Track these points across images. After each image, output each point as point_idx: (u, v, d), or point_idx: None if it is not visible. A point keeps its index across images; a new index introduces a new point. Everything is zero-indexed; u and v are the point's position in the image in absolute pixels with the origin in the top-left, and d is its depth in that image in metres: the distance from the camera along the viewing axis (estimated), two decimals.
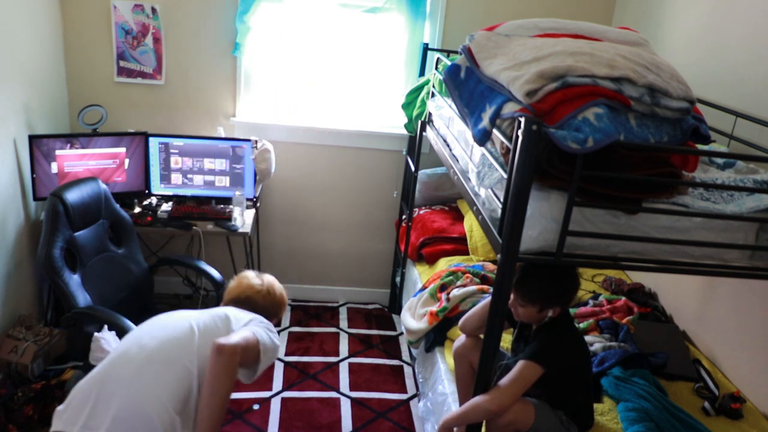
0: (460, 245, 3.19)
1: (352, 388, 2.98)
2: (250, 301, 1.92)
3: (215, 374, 1.56)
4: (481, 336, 1.77)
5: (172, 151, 3.11)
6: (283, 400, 2.84)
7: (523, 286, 1.79)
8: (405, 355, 3.30)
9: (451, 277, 2.75)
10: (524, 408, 1.77)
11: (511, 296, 1.84)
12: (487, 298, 2.10)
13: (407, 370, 3.17)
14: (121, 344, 1.72)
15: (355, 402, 2.87)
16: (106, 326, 2.39)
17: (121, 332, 2.28)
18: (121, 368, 1.59)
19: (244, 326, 1.74)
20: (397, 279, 3.61)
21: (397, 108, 3.32)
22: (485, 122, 1.69)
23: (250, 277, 1.99)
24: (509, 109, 1.60)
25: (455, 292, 2.56)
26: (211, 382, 1.56)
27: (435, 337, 2.59)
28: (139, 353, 1.61)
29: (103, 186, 2.66)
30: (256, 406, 2.77)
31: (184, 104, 3.35)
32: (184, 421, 1.57)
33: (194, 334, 1.66)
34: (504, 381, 1.74)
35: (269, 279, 2.02)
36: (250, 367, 1.74)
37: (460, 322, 2.13)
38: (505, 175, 1.57)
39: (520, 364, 1.75)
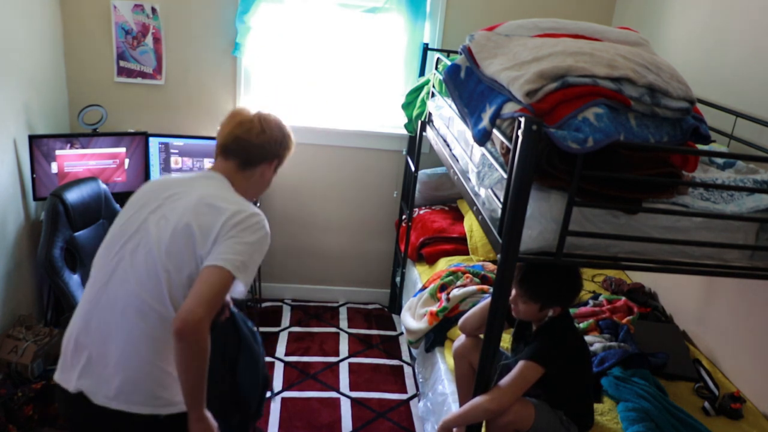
0: (460, 245, 3.19)
1: (352, 388, 2.98)
2: (241, 144, 1.56)
3: (185, 358, 1.35)
4: (481, 336, 1.77)
5: (172, 151, 3.11)
6: (283, 400, 2.84)
7: (527, 283, 1.79)
8: (405, 355, 3.30)
9: (451, 277, 2.75)
10: (524, 408, 1.77)
11: (513, 292, 1.84)
12: (487, 299, 2.10)
13: (407, 370, 3.17)
14: (88, 289, 1.50)
15: (355, 402, 2.87)
16: None
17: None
18: (96, 328, 1.45)
19: (211, 247, 1.40)
20: (397, 279, 3.61)
21: (397, 108, 3.32)
22: (485, 122, 1.69)
23: (243, 111, 1.62)
24: (509, 109, 1.60)
25: (455, 292, 2.56)
26: (183, 365, 1.37)
27: (435, 337, 2.59)
28: (112, 311, 1.44)
29: (103, 186, 2.66)
30: None
31: (184, 104, 3.35)
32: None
33: (160, 282, 1.42)
34: (504, 381, 1.74)
35: (265, 112, 1.63)
36: (231, 291, 1.46)
37: (460, 322, 2.13)
38: (505, 175, 1.57)
39: (520, 364, 1.75)
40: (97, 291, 1.47)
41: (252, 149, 1.57)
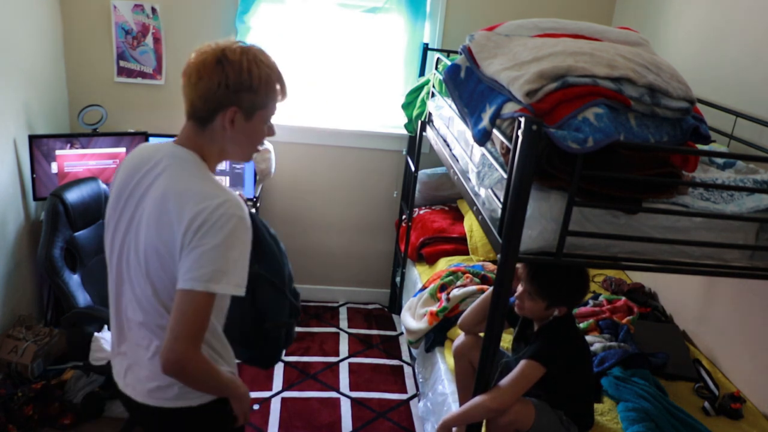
0: (460, 245, 3.19)
1: (352, 388, 2.98)
2: (187, 100, 1.30)
3: (188, 385, 1.30)
4: (481, 334, 1.77)
5: None
6: (283, 400, 2.84)
7: (538, 280, 1.79)
8: (405, 355, 3.30)
9: (451, 277, 2.75)
10: (524, 408, 1.77)
11: (520, 288, 1.84)
12: (484, 294, 2.10)
13: (407, 370, 3.17)
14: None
15: (355, 402, 2.87)
16: (106, 326, 2.39)
17: (127, 399, 2.11)
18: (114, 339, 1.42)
19: (179, 262, 1.22)
20: (397, 279, 3.61)
21: (397, 108, 3.32)
22: (485, 122, 1.69)
23: (203, 51, 1.28)
24: (509, 109, 1.60)
25: (455, 292, 2.56)
26: (199, 389, 1.33)
27: (435, 337, 2.59)
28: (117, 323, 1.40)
29: (103, 186, 2.66)
30: (256, 406, 2.77)
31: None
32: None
33: (154, 303, 1.31)
34: (505, 380, 1.74)
35: (218, 47, 1.27)
36: (223, 303, 1.36)
37: (459, 320, 2.13)
38: (505, 175, 1.57)
39: (522, 363, 1.75)
40: (113, 303, 1.41)
41: (197, 103, 1.29)
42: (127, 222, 1.32)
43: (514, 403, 1.73)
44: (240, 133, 1.32)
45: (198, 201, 1.22)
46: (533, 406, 1.79)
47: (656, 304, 2.83)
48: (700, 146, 1.70)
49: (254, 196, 3.23)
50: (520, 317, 1.97)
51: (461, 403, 2.10)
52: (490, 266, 2.89)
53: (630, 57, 1.62)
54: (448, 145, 2.44)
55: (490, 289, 2.06)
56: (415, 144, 3.24)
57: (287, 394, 2.88)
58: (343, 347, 3.33)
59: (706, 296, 2.59)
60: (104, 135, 2.99)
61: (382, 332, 3.52)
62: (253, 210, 1.55)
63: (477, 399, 1.73)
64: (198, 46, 1.29)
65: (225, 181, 3.17)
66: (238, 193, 1.46)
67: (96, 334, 2.36)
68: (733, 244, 1.65)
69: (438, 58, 2.79)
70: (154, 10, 3.14)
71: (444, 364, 2.44)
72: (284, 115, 3.47)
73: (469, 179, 2.00)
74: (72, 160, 2.90)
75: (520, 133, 1.44)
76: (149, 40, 3.20)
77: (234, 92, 1.26)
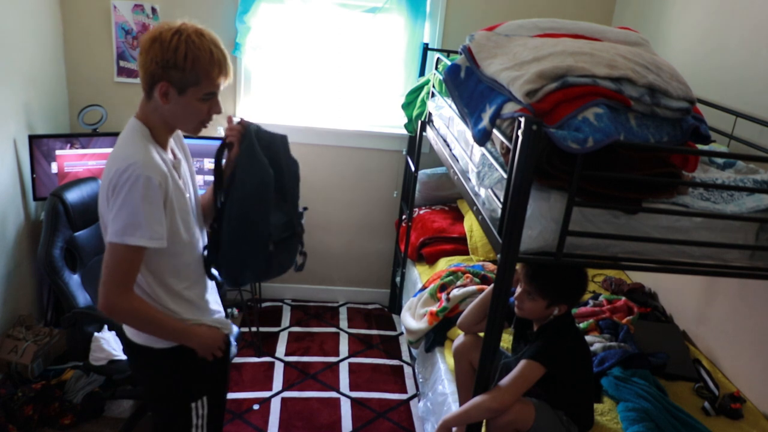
0: (460, 245, 3.19)
1: (352, 388, 2.98)
2: (145, 75, 1.41)
3: (130, 326, 1.55)
4: (481, 334, 1.77)
5: None
6: (283, 400, 2.84)
7: (537, 279, 1.79)
8: (405, 355, 3.30)
9: (451, 277, 2.75)
10: (524, 407, 1.77)
11: (519, 289, 1.84)
12: (482, 294, 2.10)
13: (407, 370, 3.17)
14: None
15: (355, 402, 2.87)
16: (106, 326, 2.39)
17: (121, 332, 2.27)
18: None
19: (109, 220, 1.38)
20: (397, 279, 3.61)
21: (397, 108, 3.32)
22: (485, 122, 1.69)
23: (152, 28, 1.45)
24: (509, 109, 1.60)
25: (455, 292, 2.56)
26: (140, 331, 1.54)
27: (435, 337, 2.59)
28: None
29: None
30: (256, 406, 2.77)
31: None
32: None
33: None
34: (505, 380, 1.74)
35: (169, 28, 1.46)
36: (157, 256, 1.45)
37: (458, 320, 2.13)
38: (505, 175, 1.57)
39: (522, 363, 1.75)
40: None
41: (140, 75, 1.43)
42: None
43: (514, 403, 1.73)
44: (175, 106, 1.43)
45: (111, 167, 1.37)
46: (533, 406, 1.79)
47: (656, 304, 2.83)
48: (700, 146, 1.71)
49: None
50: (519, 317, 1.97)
51: (461, 404, 2.10)
52: (490, 266, 2.89)
53: (630, 57, 1.62)
54: (448, 145, 2.44)
55: (488, 288, 2.07)
56: (415, 144, 3.24)
57: (287, 394, 2.88)
58: (343, 347, 3.33)
59: (706, 296, 2.59)
60: (104, 135, 3.00)
61: (382, 332, 3.52)
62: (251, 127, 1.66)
63: (477, 399, 1.73)
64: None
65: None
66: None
67: (96, 334, 2.36)
68: (733, 244, 1.65)
69: (438, 58, 2.79)
70: (154, 10, 3.14)
71: (444, 364, 2.44)
72: (285, 115, 3.48)
73: (469, 179, 2.00)
74: (72, 160, 2.90)
75: (520, 133, 1.44)
76: None
77: (162, 68, 1.38)
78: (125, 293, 1.40)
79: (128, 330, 1.59)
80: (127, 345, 1.63)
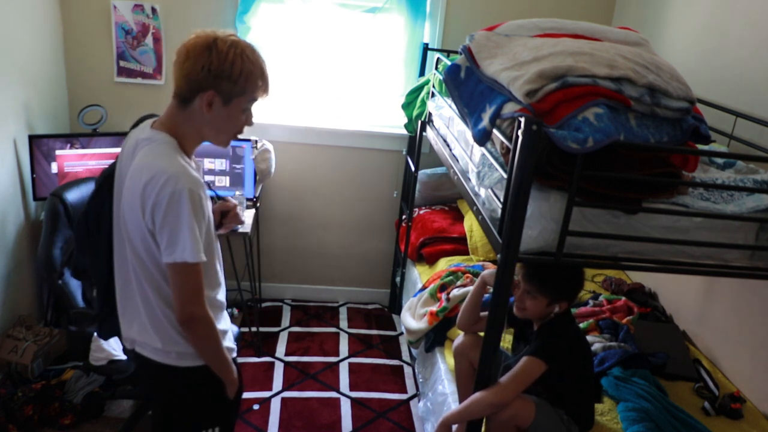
0: (460, 245, 3.19)
1: (352, 388, 2.98)
2: (175, 77, 1.46)
3: (199, 346, 1.46)
4: (481, 334, 1.77)
5: None
6: (283, 400, 2.84)
7: (536, 278, 1.80)
8: (405, 355, 3.30)
9: (451, 277, 2.75)
10: (525, 404, 1.77)
11: (519, 290, 1.84)
12: (471, 291, 2.10)
13: (407, 370, 3.17)
14: None
15: (355, 402, 2.87)
16: None
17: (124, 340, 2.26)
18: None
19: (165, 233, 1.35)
20: (397, 279, 3.61)
21: (397, 108, 3.32)
22: (485, 122, 1.69)
23: (198, 34, 1.45)
24: (509, 109, 1.60)
25: (455, 292, 2.56)
26: (201, 350, 1.47)
27: (435, 337, 2.59)
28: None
29: None
30: (256, 406, 2.77)
31: None
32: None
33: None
34: (506, 376, 1.75)
35: (214, 35, 1.42)
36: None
37: (457, 320, 2.13)
38: (505, 175, 1.57)
39: (523, 359, 1.75)
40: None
41: (180, 81, 1.43)
42: (116, 209, 1.51)
43: (514, 399, 1.73)
44: (217, 116, 1.42)
45: (149, 175, 1.34)
46: (534, 403, 1.79)
47: (656, 304, 2.83)
48: (700, 146, 1.71)
49: (254, 196, 3.23)
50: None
51: (461, 403, 2.10)
52: (490, 266, 2.89)
53: (630, 57, 1.62)
54: (448, 145, 2.44)
55: (476, 282, 2.07)
56: (415, 144, 3.24)
57: (287, 394, 2.88)
58: (343, 347, 3.33)
59: (706, 296, 2.59)
60: (104, 135, 2.99)
61: (382, 332, 3.52)
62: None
63: (478, 395, 1.73)
64: (198, 30, 1.41)
65: (225, 180, 3.17)
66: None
67: (96, 334, 2.36)
68: (733, 244, 1.65)
69: (438, 58, 2.79)
70: (154, 10, 3.14)
71: (444, 364, 2.44)
72: (285, 115, 3.48)
73: (469, 179, 2.00)
74: (72, 160, 2.90)
75: (520, 133, 1.45)
76: (149, 40, 3.20)
77: (214, 77, 1.37)
78: (201, 304, 1.40)
79: (147, 349, 1.51)
80: (144, 365, 1.54)
